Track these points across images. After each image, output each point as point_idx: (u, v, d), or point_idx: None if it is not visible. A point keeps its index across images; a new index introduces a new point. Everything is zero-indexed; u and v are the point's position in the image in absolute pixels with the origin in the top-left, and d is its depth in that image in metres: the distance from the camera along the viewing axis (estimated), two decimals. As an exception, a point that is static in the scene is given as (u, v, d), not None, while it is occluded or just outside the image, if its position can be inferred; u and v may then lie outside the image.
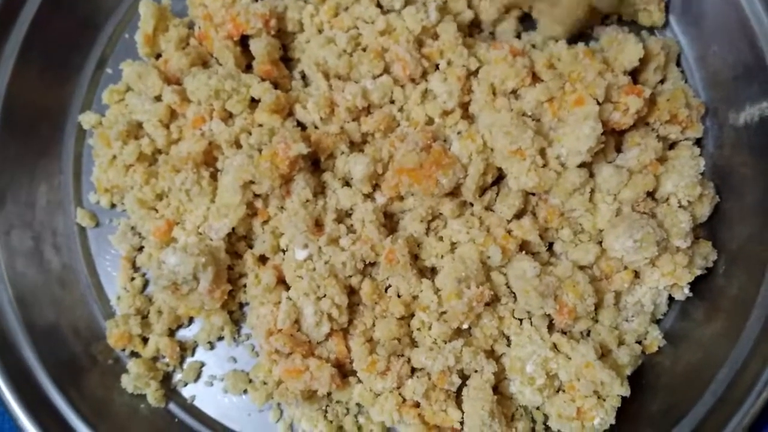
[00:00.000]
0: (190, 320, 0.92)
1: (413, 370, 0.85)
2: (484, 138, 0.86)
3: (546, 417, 0.86)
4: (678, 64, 0.96)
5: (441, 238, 0.88)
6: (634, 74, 0.91)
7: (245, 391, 0.89)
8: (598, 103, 0.84)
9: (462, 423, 0.82)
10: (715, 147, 0.94)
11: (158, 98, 0.92)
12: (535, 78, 0.89)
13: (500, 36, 0.97)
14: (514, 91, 0.89)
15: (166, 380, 0.90)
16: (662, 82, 0.95)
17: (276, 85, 0.93)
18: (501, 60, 0.86)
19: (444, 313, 0.84)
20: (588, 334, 0.88)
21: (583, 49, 0.88)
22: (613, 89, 0.86)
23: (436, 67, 0.92)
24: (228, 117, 0.92)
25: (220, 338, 0.91)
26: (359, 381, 0.85)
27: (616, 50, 0.89)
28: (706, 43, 0.94)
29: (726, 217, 0.91)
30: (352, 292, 0.87)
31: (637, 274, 0.88)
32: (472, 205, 0.89)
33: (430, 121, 0.91)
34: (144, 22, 0.94)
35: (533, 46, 0.95)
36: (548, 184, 0.84)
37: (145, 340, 0.90)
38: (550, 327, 0.87)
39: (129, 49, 0.98)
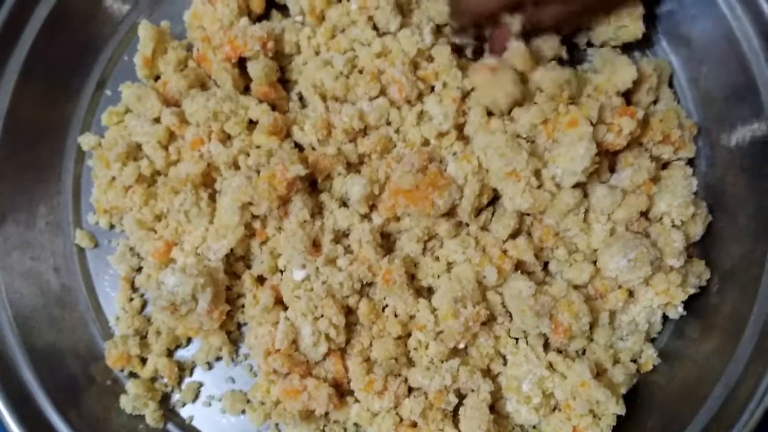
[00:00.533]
0: (189, 340, 0.93)
1: (410, 390, 0.86)
2: (480, 159, 0.87)
3: (542, 436, 0.87)
4: (670, 85, 0.98)
5: (437, 258, 0.89)
6: (627, 95, 0.92)
7: (243, 411, 0.89)
8: (592, 124, 0.85)
9: (459, 443, 0.83)
10: (707, 166, 0.95)
11: (157, 120, 0.93)
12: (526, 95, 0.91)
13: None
14: (508, 113, 0.90)
15: (164, 400, 0.91)
16: (655, 102, 0.96)
17: (274, 107, 0.94)
18: (487, 82, 0.87)
19: (441, 332, 0.85)
20: (583, 353, 0.89)
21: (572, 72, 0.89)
22: (607, 111, 0.87)
23: (432, 89, 0.93)
24: (226, 138, 0.93)
25: (219, 358, 0.92)
26: (357, 401, 0.86)
27: (610, 72, 0.90)
28: (697, 65, 0.96)
29: (719, 236, 0.92)
30: (349, 311, 0.88)
31: (631, 293, 0.89)
32: (467, 225, 0.90)
33: (426, 143, 0.92)
34: (143, 44, 0.95)
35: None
36: (543, 205, 0.85)
37: (143, 361, 0.91)
38: (546, 346, 0.87)
39: (128, 71, 0.99)
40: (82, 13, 0.97)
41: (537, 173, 0.86)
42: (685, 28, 0.96)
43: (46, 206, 0.95)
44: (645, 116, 0.90)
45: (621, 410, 0.84)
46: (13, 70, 0.93)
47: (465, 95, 0.91)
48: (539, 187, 0.86)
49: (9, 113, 0.92)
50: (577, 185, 0.86)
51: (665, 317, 0.91)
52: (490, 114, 0.91)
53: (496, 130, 0.88)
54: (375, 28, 0.94)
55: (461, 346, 0.85)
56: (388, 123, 0.93)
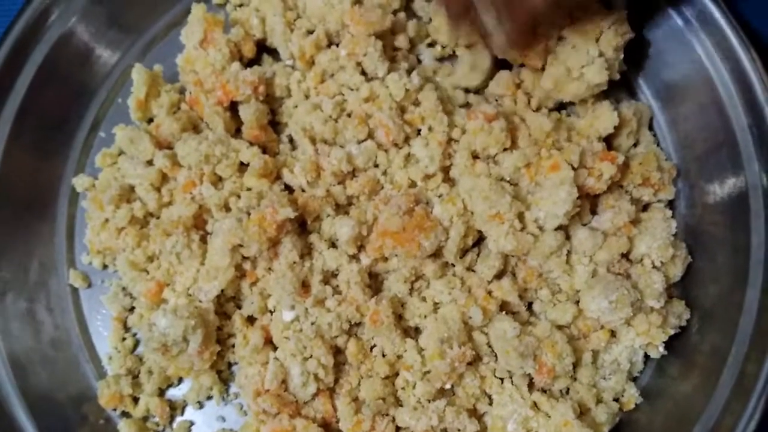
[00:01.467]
0: (180, 380, 0.94)
1: (398, 429, 0.87)
2: (465, 202, 0.89)
3: (527, 475, 0.88)
4: (650, 128, 1.00)
5: (424, 299, 0.91)
6: (608, 139, 0.95)
7: (233, 450, 0.91)
8: (574, 169, 0.88)
9: (446, 482, 0.84)
10: (687, 207, 0.97)
11: (150, 162, 0.95)
12: (514, 139, 0.93)
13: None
14: (493, 156, 0.93)
15: (156, 439, 0.92)
16: (635, 145, 0.99)
17: (264, 149, 0.96)
18: (479, 130, 0.90)
19: (428, 372, 0.87)
20: (567, 392, 0.91)
21: (557, 118, 0.92)
22: (588, 155, 0.89)
23: (418, 132, 0.95)
24: (217, 180, 0.95)
25: (209, 397, 0.93)
26: (345, 440, 0.87)
27: (592, 117, 0.93)
28: (675, 108, 0.98)
29: (698, 276, 0.94)
30: (337, 351, 0.90)
31: (613, 333, 0.91)
32: (453, 265, 0.92)
33: (412, 184, 0.94)
34: (136, 87, 0.97)
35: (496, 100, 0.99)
36: (526, 247, 0.87)
37: (135, 400, 0.92)
38: (531, 386, 0.89)
39: (122, 113, 1.01)
40: (76, 58, 0.99)
41: (520, 216, 0.88)
42: (664, 73, 0.99)
43: (40, 246, 0.97)
44: (625, 159, 0.92)
45: (604, 449, 0.86)
46: (9, 112, 0.95)
47: (450, 139, 0.94)
48: (522, 229, 0.88)
49: (5, 154, 0.94)
50: (559, 227, 0.89)
51: (647, 356, 0.93)
52: (475, 157, 0.93)
53: (481, 173, 0.91)
54: (363, 73, 0.97)
55: (448, 386, 0.86)
56: (376, 165, 0.95)
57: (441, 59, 1.04)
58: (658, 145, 0.99)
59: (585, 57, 0.91)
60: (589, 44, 0.90)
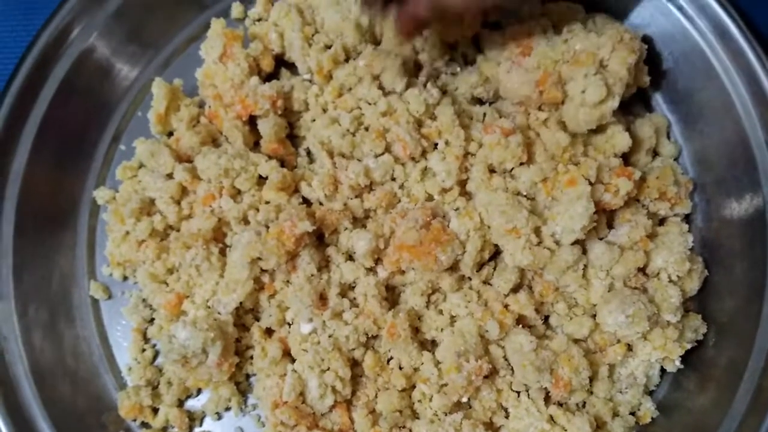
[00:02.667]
0: (199, 390, 0.95)
1: (415, 442, 0.88)
2: (481, 216, 0.90)
3: (544, 488, 0.89)
4: (668, 137, 1.01)
5: (441, 312, 0.92)
6: (626, 153, 0.95)
7: (252, 461, 0.92)
8: (590, 184, 0.88)
9: (463, 495, 0.85)
10: (703, 221, 0.97)
11: (170, 176, 0.97)
12: (530, 152, 0.93)
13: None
14: (509, 170, 0.93)
15: (175, 450, 0.94)
16: (654, 155, 0.99)
17: (282, 162, 0.98)
18: (495, 144, 0.90)
19: (444, 385, 0.87)
20: (583, 406, 0.91)
21: (574, 133, 0.92)
22: (605, 171, 0.90)
23: (435, 146, 0.96)
24: (236, 194, 0.96)
25: (228, 408, 0.94)
26: (362, 453, 0.88)
27: (606, 138, 0.93)
28: (692, 123, 0.99)
29: (715, 290, 0.94)
30: (355, 364, 0.90)
31: (630, 347, 0.91)
32: (470, 279, 0.92)
33: (429, 198, 0.95)
34: (157, 101, 0.99)
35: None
36: (542, 262, 0.88)
37: (155, 411, 0.93)
38: (547, 399, 0.89)
39: (142, 126, 1.02)
40: (97, 73, 1.01)
41: (537, 230, 0.88)
42: (680, 87, 0.99)
43: (62, 258, 0.98)
44: (642, 173, 0.92)
45: (620, 463, 0.86)
46: (32, 126, 0.96)
47: (467, 153, 0.94)
48: (539, 244, 0.88)
49: (27, 167, 0.96)
50: (576, 242, 0.89)
51: (663, 370, 0.93)
52: (492, 171, 0.93)
53: (498, 187, 0.91)
54: (380, 87, 0.97)
55: (464, 399, 0.87)
56: (393, 179, 0.96)
57: (455, 73, 1.04)
58: (675, 159, 0.99)
59: (583, 81, 0.89)
60: (590, 67, 0.89)
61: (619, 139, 0.92)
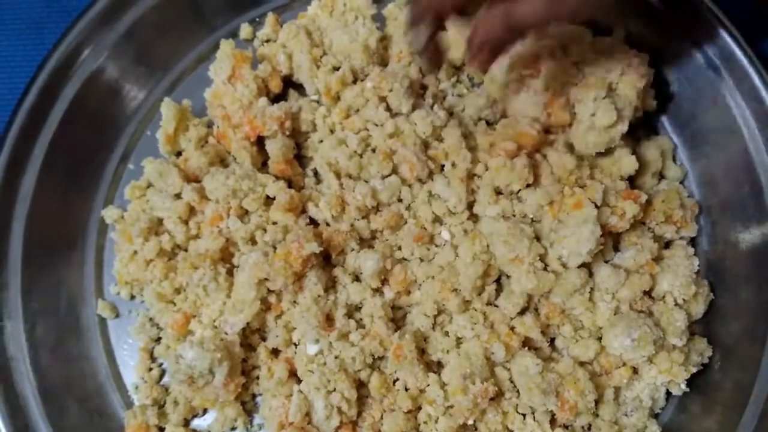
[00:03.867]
0: (205, 410, 0.95)
1: (420, 463, 0.88)
2: (487, 240, 0.90)
3: None
4: (674, 160, 1.01)
5: (447, 333, 0.92)
6: (632, 176, 0.96)
7: (257, 482, 0.92)
8: (597, 207, 0.89)
9: None
10: (709, 244, 0.98)
11: (178, 196, 0.97)
12: (537, 174, 0.94)
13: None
14: (516, 192, 0.94)
15: (181, 469, 0.94)
16: (660, 178, 1.00)
17: (290, 183, 0.98)
18: (501, 167, 0.91)
19: (450, 407, 0.87)
20: (589, 429, 0.91)
21: (580, 156, 0.93)
22: (611, 194, 0.90)
23: (442, 167, 0.96)
24: (244, 214, 0.96)
25: (234, 428, 0.94)
26: (368, 474, 0.88)
27: (612, 161, 0.94)
28: (698, 146, 0.99)
29: (721, 314, 0.94)
30: (361, 384, 0.91)
31: (635, 370, 0.91)
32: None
33: (436, 219, 0.95)
34: (165, 122, 0.99)
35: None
36: (547, 286, 0.88)
37: (161, 430, 0.94)
38: (553, 422, 0.89)
39: (150, 146, 1.03)
40: (106, 94, 1.01)
41: (542, 256, 0.89)
42: (686, 111, 0.99)
43: (70, 277, 0.98)
44: (648, 197, 0.93)
45: (626, 487, 0.86)
46: (42, 146, 0.97)
47: (473, 175, 0.95)
48: (545, 267, 0.88)
49: (36, 186, 0.96)
50: (582, 265, 0.89)
51: (668, 393, 0.93)
52: (498, 193, 0.94)
53: (503, 211, 0.91)
54: (388, 109, 0.98)
55: (470, 422, 0.87)
56: (400, 200, 0.96)
57: (461, 95, 1.05)
58: (681, 182, 1.00)
59: (592, 104, 0.90)
60: (600, 90, 0.90)
61: (625, 161, 0.93)
